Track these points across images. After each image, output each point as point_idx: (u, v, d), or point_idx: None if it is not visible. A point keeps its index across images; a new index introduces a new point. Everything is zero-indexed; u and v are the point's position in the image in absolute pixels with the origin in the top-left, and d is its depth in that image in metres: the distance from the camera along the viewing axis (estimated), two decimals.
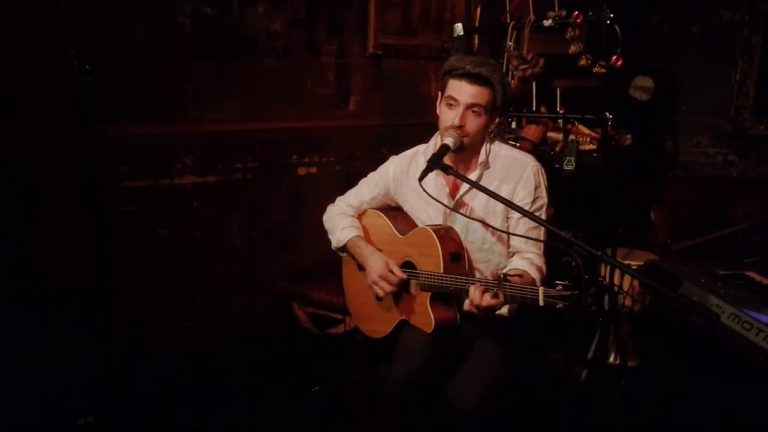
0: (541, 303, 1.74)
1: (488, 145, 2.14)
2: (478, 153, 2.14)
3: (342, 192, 2.45)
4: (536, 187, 2.12)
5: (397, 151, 2.35)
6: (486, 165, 2.12)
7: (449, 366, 2.11)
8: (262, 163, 3.12)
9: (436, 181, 2.16)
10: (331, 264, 2.58)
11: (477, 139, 2.07)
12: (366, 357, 2.74)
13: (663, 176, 4.34)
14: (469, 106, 2.00)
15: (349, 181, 2.98)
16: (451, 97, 2.02)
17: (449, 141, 2.00)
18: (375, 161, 2.47)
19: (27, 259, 2.45)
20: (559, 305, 1.69)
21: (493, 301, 1.83)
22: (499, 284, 1.83)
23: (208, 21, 2.83)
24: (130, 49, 2.62)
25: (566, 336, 2.85)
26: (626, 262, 2.91)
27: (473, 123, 2.02)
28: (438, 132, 2.11)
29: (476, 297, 1.84)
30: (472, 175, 2.11)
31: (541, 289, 1.75)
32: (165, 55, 2.73)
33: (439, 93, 2.10)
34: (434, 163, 1.97)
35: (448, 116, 2.03)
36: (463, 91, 1.99)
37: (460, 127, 2.00)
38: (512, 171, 2.12)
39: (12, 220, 2.40)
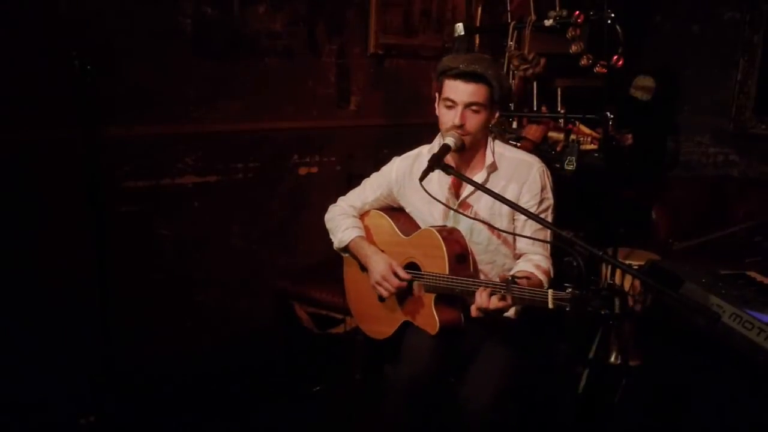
0: (550, 305, 1.74)
1: (492, 144, 2.14)
2: (480, 152, 2.13)
3: (343, 192, 2.45)
4: (542, 189, 2.11)
5: (398, 151, 2.35)
6: (494, 167, 2.12)
7: (453, 367, 2.11)
8: (263, 163, 3.12)
9: (440, 181, 2.15)
10: (331, 264, 2.58)
11: (479, 137, 2.07)
12: (367, 357, 2.74)
13: (664, 176, 4.34)
14: (468, 105, 1.99)
15: (349, 181, 2.98)
16: (448, 99, 2.01)
17: (450, 141, 2.00)
18: (376, 161, 2.47)
19: (28, 259, 2.45)
20: (568, 308, 1.69)
21: (501, 304, 1.82)
22: (508, 287, 1.82)
23: (209, 21, 2.83)
24: (130, 50, 2.62)
25: (567, 335, 2.85)
26: (627, 261, 2.91)
27: (473, 121, 2.01)
28: (440, 132, 2.11)
29: (483, 300, 1.84)
30: (478, 176, 2.10)
31: (550, 291, 1.74)
32: (166, 56, 2.73)
33: (437, 94, 2.10)
34: (435, 163, 1.96)
35: (447, 117, 2.03)
36: (459, 90, 1.99)
37: (461, 126, 2.00)
38: (518, 172, 2.11)
39: (13, 220, 2.41)
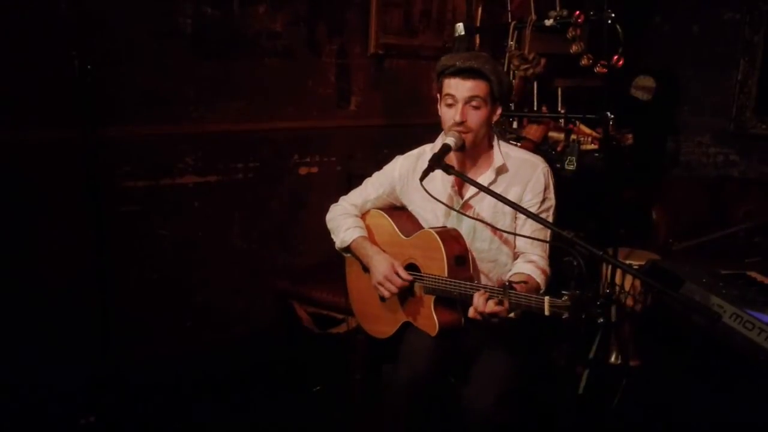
0: (546, 312, 1.74)
1: (498, 144, 2.13)
2: (486, 152, 2.13)
3: (343, 192, 2.44)
4: (545, 188, 2.11)
5: (398, 151, 2.35)
6: (504, 168, 2.11)
7: (454, 368, 2.11)
8: (263, 163, 3.12)
9: (443, 181, 2.15)
10: (332, 263, 2.58)
11: (481, 134, 2.06)
12: (368, 357, 2.74)
13: (664, 176, 4.34)
14: (468, 101, 1.99)
15: (350, 181, 2.98)
16: (449, 96, 2.01)
17: (450, 141, 2.00)
18: (376, 161, 2.47)
19: (28, 259, 2.46)
20: (565, 315, 1.69)
21: (497, 308, 1.82)
22: (505, 292, 1.82)
23: (209, 21, 2.83)
24: (131, 50, 2.62)
25: (567, 336, 2.85)
26: (628, 261, 2.90)
27: (475, 117, 2.01)
28: (443, 132, 2.11)
29: (480, 304, 1.84)
30: (484, 176, 2.10)
31: (546, 298, 1.73)
32: (166, 56, 2.73)
33: (438, 95, 2.10)
34: (435, 163, 1.96)
35: (449, 115, 2.03)
36: (459, 87, 1.99)
37: (462, 123, 2.00)
38: (522, 172, 2.11)
39: (13, 220, 2.41)
